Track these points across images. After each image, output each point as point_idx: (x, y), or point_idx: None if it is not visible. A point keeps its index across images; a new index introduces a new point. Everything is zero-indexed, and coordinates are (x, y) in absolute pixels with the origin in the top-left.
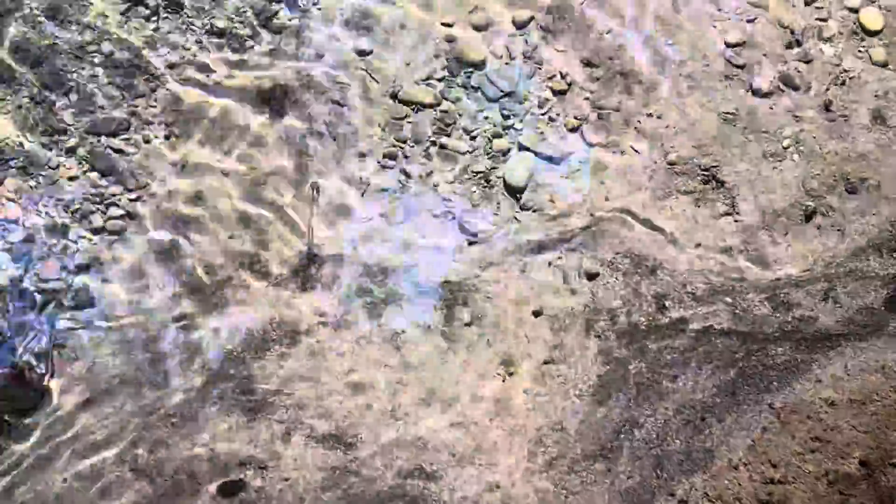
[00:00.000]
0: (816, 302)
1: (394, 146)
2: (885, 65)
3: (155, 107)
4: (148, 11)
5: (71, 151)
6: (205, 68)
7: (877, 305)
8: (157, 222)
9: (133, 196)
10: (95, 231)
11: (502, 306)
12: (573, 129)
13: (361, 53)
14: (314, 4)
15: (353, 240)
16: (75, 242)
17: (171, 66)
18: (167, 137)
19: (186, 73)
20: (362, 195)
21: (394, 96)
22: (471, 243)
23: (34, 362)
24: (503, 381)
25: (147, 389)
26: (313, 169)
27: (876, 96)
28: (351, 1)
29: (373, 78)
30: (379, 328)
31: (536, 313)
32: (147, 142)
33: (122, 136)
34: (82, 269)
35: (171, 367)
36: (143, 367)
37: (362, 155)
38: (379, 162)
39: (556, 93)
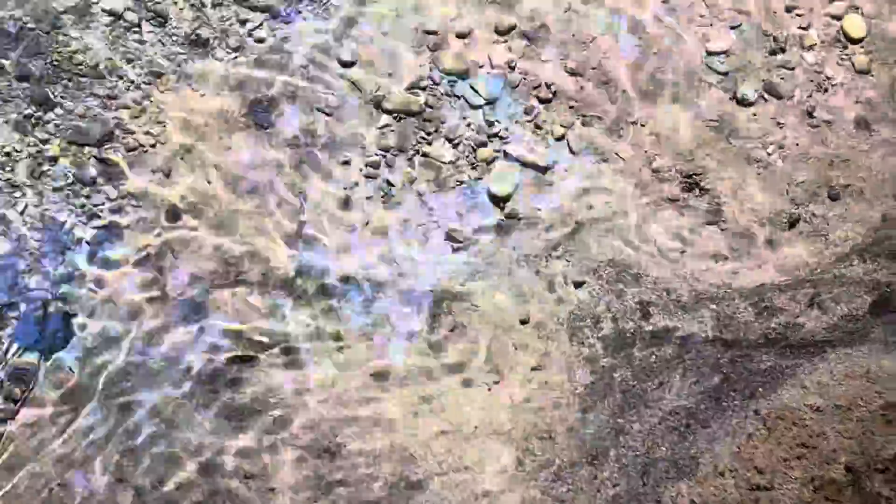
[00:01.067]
0: (801, 308)
1: (378, 155)
2: (867, 72)
3: (139, 117)
4: (132, 23)
5: (54, 160)
6: (189, 79)
7: (861, 311)
8: (142, 231)
9: (116, 206)
10: (79, 241)
11: (488, 315)
12: (559, 138)
13: (345, 63)
14: (298, 14)
15: (339, 248)
16: (61, 253)
17: (158, 76)
18: (153, 146)
19: (172, 84)
20: (347, 204)
21: (377, 105)
22: (456, 252)
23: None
24: (489, 389)
25: (133, 398)
26: (299, 178)
27: (858, 103)
28: (335, 11)
29: (356, 87)
30: (365, 337)
31: (523, 321)
32: (131, 151)
33: (107, 146)
34: (66, 278)
35: (157, 375)
36: (130, 376)
37: (346, 164)
38: (363, 171)
39: (541, 101)
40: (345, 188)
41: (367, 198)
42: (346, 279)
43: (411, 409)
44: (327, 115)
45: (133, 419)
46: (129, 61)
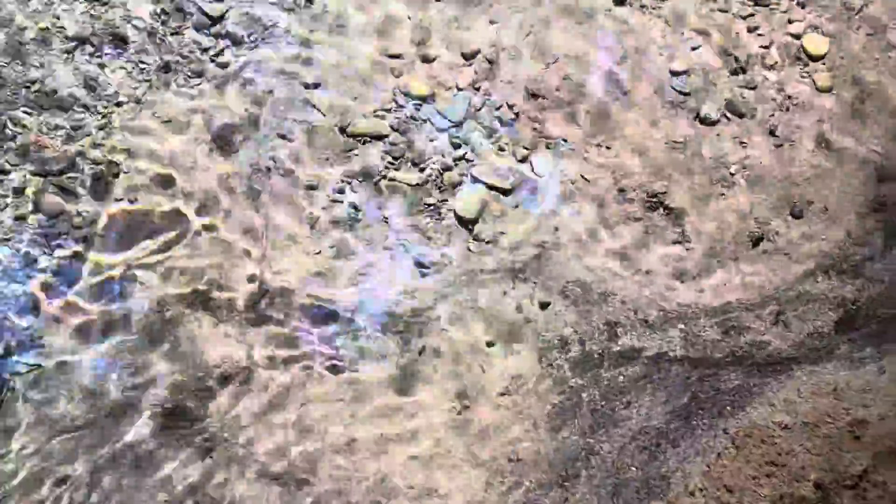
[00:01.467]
0: (767, 326)
1: (343, 180)
2: (828, 90)
3: (103, 146)
4: (93, 49)
5: (18, 192)
6: (152, 106)
7: (826, 328)
8: (106, 258)
9: (81, 235)
10: (42, 272)
11: (457, 338)
12: (522, 160)
13: (309, 87)
14: (262, 40)
15: (305, 274)
16: (23, 284)
17: (119, 105)
18: (115, 176)
19: (134, 111)
20: (312, 229)
21: (342, 130)
22: (424, 275)
23: None
24: (459, 413)
25: (97, 431)
26: (263, 204)
27: (820, 121)
28: (299, 36)
29: (321, 112)
30: (332, 362)
31: (490, 344)
32: (97, 179)
33: (69, 175)
34: (28, 311)
35: (121, 407)
36: (93, 409)
37: (312, 188)
38: (329, 196)
39: (504, 123)
40: (310, 213)
41: (334, 222)
42: (311, 304)
43: (381, 434)
44: (291, 140)
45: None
46: (90, 90)
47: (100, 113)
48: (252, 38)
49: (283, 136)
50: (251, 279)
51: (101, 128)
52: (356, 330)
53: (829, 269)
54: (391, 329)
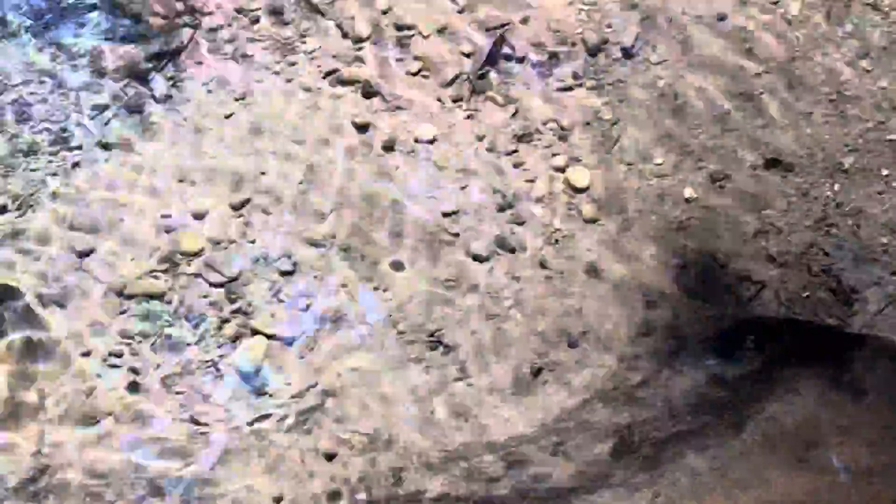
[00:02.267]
0: (547, 457)
1: (120, 343)
2: (594, 221)
3: None
4: None
5: None
6: None
7: (603, 456)
8: None
9: None
10: None
11: (241, 496)
12: (304, 309)
13: (83, 254)
14: (30, 207)
15: (83, 445)
16: None
17: None
18: None
19: None
20: (88, 398)
21: (118, 292)
22: (204, 434)
23: None
24: None
25: None
26: (40, 377)
27: (588, 251)
28: (67, 199)
29: (96, 277)
30: None
31: (277, 500)
32: None
33: None
34: None
35: None
36: None
37: (87, 355)
38: (105, 361)
39: (283, 273)
40: (84, 381)
41: (111, 389)
42: (88, 477)
43: None
44: (64, 307)
45: None
46: None
47: None
48: (18, 207)
49: (55, 303)
50: (30, 453)
51: None
52: (137, 500)
53: (605, 395)
54: (173, 496)
